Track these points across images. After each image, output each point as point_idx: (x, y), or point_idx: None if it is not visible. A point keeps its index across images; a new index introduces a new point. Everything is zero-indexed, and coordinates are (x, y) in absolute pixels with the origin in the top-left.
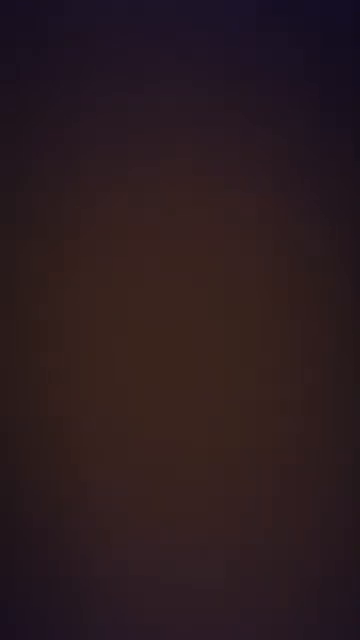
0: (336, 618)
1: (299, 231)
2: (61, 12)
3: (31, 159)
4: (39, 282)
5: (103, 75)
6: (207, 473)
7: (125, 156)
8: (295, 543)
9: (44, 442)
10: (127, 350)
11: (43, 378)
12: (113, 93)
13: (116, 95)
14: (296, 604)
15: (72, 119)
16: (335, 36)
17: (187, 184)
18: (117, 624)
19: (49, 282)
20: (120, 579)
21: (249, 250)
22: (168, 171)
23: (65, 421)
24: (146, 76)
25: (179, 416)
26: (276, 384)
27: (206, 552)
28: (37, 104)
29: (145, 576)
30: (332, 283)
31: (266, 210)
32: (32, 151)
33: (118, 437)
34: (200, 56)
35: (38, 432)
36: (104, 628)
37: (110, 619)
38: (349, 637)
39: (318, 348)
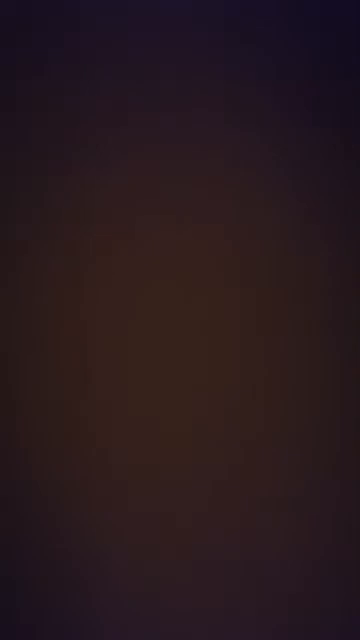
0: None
1: (299, 231)
2: (61, 11)
3: (31, 161)
4: (42, 276)
5: (102, 75)
6: (207, 467)
7: (125, 156)
8: (296, 542)
9: (47, 429)
10: (128, 348)
11: (47, 370)
12: (112, 94)
13: (115, 95)
14: (300, 601)
15: (72, 119)
16: (336, 35)
17: (187, 184)
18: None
19: (53, 275)
20: (120, 573)
21: (249, 250)
22: (168, 171)
23: (68, 415)
24: (145, 76)
25: (179, 412)
26: (276, 383)
27: (207, 543)
28: (36, 106)
29: (145, 567)
30: (333, 283)
31: (266, 211)
32: (32, 152)
33: (120, 429)
34: (200, 55)
35: (41, 420)
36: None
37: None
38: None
39: (318, 346)
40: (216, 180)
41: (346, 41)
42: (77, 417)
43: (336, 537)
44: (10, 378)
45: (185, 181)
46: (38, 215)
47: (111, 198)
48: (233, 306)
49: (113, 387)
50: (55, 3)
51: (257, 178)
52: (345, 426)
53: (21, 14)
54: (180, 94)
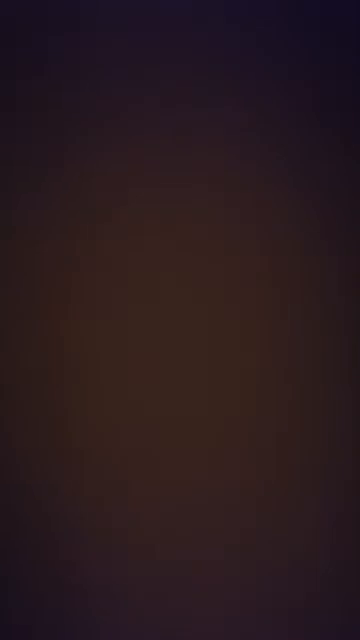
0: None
1: (298, 231)
2: (61, 10)
3: (29, 159)
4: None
5: (102, 75)
6: (205, 469)
7: (125, 156)
8: (296, 543)
9: (45, 431)
10: (127, 346)
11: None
12: (112, 94)
13: (115, 96)
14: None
15: (72, 119)
16: (336, 36)
17: (186, 185)
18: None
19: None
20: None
21: (248, 250)
22: (168, 170)
23: (68, 418)
24: (145, 77)
25: (179, 411)
26: (275, 383)
27: (206, 543)
28: (36, 106)
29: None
30: (330, 282)
31: (266, 211)
32: (31, 152)
33: (117, 429)
34: (200, 56)
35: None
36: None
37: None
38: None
39: (315, 345)
40: (216, 179)
41: (346, 41)
42: (75, 417)
43: (336, 537)
44: (6, 378)
45: (185, 180)
46: (36, 213)
47: (110, 199)
48: (233, 304)
49: (112, 387)
50: (55, 3)
51: (257, 177)
52: (345, 425)
53: (21, 14)
54: (179, 94)
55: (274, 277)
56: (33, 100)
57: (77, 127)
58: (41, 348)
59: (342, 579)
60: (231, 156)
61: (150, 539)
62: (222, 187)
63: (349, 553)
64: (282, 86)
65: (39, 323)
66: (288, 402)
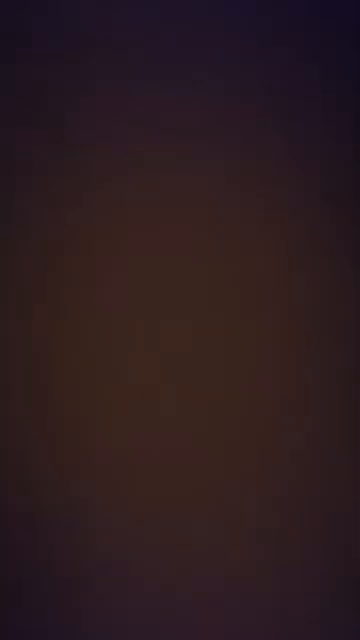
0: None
1: (298, 231)
2: (60, 14)
3: (30, 157)
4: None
5: (102, 75)
6: (207, 471)
7: (125, 156)
8: (299, 546)
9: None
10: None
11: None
12: (112, 94)
13: (115, 96)
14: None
15: (72, 115)
16: (336, 36)
17: (186, 184)
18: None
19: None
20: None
21: (249, 250)
22: (168, 171)
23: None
24: (145, 76)
25: (178, 411)
26: (275, 383)
27: (206, 542)
28: (35, 102)
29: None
30: (330, 282)
31: (266, 210)
32: (31, 150)
33: (118, 436)
34: (200, 56)
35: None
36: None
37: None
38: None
39: (316, 346)
40: (216, 179)
41: (346, 41)
42: (75, 417)
43: (336, 538)
44: (6, 378)
45: (185, 180)
46: (35, 213)
47: (110, 199)
48: (232, 304)
49: (112, 386)
50: (55, 3)
51: (257, 177)
52: (345, 426)
53: (21, 14)
54: (179, 93)
55: (274, 277)
56: (33, 100)
57: (77, 127)
58: (41, 348)
59: (342, 580)
60: (231, 156)
61: (150, 539)
62: (222, 187)
63: (349, 553)
64: (282, 85)
65: (39, 323)
66: (287, 402)
